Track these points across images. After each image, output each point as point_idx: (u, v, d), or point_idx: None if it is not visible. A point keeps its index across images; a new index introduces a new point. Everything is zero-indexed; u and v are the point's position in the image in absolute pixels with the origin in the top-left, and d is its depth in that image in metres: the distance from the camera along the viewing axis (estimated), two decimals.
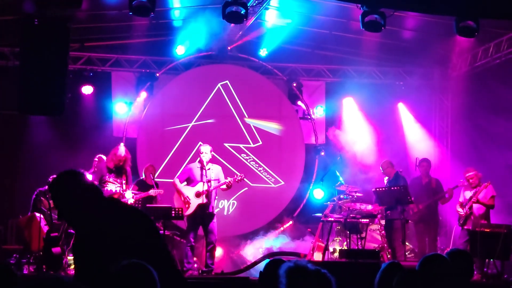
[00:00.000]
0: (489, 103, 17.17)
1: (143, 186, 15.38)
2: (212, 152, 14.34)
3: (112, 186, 13.85)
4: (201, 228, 14.22)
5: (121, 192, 13.87)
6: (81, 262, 5.10)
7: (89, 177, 14.42)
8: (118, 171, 13.98)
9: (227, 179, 14.15)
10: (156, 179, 15.75)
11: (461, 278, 5.72)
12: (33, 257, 14.30)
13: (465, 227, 14.49)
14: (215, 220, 14.14)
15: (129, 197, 14.02)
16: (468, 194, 14.68)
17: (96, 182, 13.69)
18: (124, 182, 14.01)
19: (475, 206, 14.51)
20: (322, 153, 19.26)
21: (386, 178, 16.12)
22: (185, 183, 14.23)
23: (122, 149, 14.18)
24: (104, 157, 15.20)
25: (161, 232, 13.92)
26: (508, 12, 12.09)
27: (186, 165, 15.32)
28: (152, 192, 14.69)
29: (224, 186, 14.20)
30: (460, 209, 14.84)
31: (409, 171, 17.29)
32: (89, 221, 5.02)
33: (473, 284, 12.16)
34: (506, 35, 16.07)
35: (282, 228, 18.40)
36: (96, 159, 15.21)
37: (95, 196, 5.13)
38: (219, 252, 16.05)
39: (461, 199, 14.94)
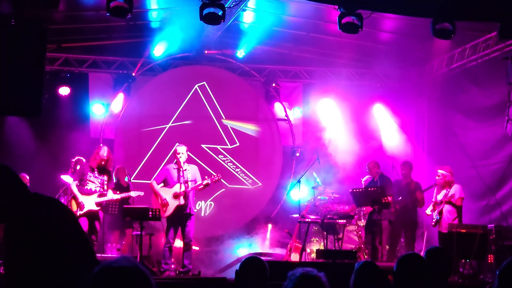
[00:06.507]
0: (463, 105, 17.29)
1: (118, 188, 15.32)
2: (188, 152, 14.34)
3: (92, 185, 13.75)
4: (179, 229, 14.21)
5: (102, 191, 13.79)
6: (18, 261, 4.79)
7: (69, 178, 14.38)
8: (100, 171, 13.90)
9: (204, 180, 14.14)
10: (133, 180, 15.70)
11: (439, 277, 5.73)
12: None
13: (438, 229, 14.50)
14: (193, 221, 14.14)
15: (111, 196, 13.96)
16: (440, 196, 14.66)
17: (77, 182, 13.74)
18: (105, 182, 13.94)
19: (445, 209, 14.47)
20: (298, 154, 19.27)
21: (365, 178, 16.13)
22: (162, 184, 14.21)
23: (105, 149, 14.11)
24: (83, 159, 15.11)
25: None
26: (484, 14, 12.16)
27: (163, 166, 15.27)
28: (133, 193, 14.57)
29: (201, 187, 14.20)
30: (429, 211, 14.84)
31: (386, 172, 17.34)
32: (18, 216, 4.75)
33: (449, 284, 12.22)
34: (482, 37, 16.13)
35: (259, 229, 18.39)
36: (74, 161, 15.17)
37: (23, 190, 4.97)
38: (196, 253, 16.04)
39: (433, 200, 14.94)
